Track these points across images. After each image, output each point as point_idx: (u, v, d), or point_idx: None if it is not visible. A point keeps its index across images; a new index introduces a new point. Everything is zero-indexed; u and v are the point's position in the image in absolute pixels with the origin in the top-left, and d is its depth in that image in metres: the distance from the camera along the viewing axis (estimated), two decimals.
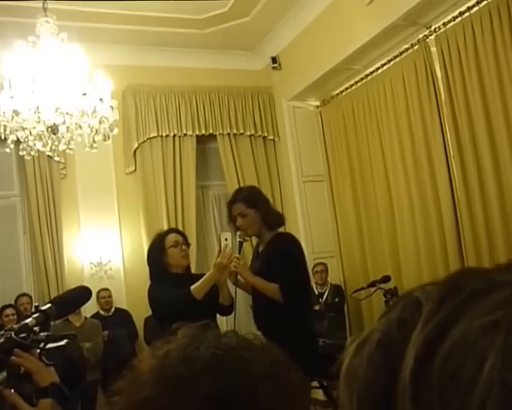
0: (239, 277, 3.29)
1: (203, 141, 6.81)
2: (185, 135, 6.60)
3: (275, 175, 7.06)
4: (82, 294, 1.51)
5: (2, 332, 1.18)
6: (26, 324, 1.21)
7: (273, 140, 7.07)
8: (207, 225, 6.86)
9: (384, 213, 5.88)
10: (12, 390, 1.11)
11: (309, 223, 6.74)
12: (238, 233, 3.28)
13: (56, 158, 5.56)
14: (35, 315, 1.24)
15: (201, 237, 6.69)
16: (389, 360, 0.37)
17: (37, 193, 6.00)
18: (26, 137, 4.14)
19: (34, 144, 4.18)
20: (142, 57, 6.50)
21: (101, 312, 5.93)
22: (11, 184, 6.20)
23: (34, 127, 4.04)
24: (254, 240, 3.74)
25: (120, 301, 6.13)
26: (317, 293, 6.18)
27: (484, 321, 0.33)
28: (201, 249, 6.53)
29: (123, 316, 5.97)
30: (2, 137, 4.13)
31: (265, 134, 7.00)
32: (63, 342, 1.21)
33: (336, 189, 6.66)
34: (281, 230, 3.49)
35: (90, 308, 5.67)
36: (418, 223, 5.42)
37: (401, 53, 5.51)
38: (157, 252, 3.27)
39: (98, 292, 5.86)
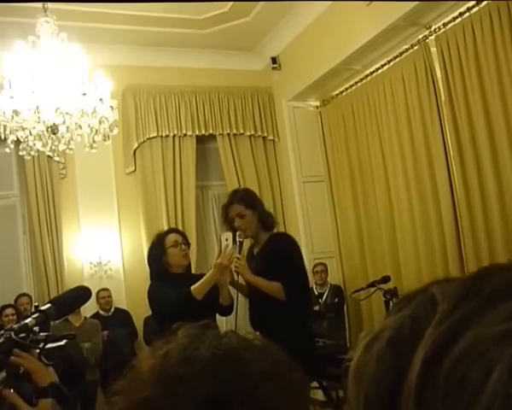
0: (235, 278, 3.29)
1: (203, 141, 6.81)
2: (185, 135, 6.60)
3: (275, 175, 7.06)
4: (81, 294, 1.51)
5: (2, 332, 1.18)
6: (26, 324, 1.21)
7: (273, 140, 7.07)
8: (207, 226, 6.86)
9: (384, 214, 5.88)
10: (11, 390, 1.11)
11: (309, 223, 6.74)
12: (238, 233, 3.28)
13: (56, 158, 5.56)
14: (35, 315, 1.24)
15: (201, 237, 6.69)
16: (399, 358, 0.37)
17: (37, 193, 6.00)
18: (26, 137, 4.14)
19: (34, 144, 4.18)
20: (141, 57, 6.50)
21: (101, 312, 5.93)
22: (11, 184, 6.20)
23: (34, 127, 4.04)
24: (247, 241, 3.73)
25: (120, 301, 6.13)
26: (316, 293, 6.18)
27: (496, 330, 0.33)
28: (201, 250, 6.53)
29: (122, 316, 5.97)
30: (2, 137, 4.13)
31: (265, 134, 7.00)
32: (63, 343, 1.21)
33: (336, 189, 6.66)
34: (274, 230, 3.51)
35: (89, 308, 5.66)
36: (418, 223, 5.42)
37: (401, 53, 5.51)
38: (157, 252, 3.27)
39: (98, 292, 5.86)
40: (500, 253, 4.55)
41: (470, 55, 4.74)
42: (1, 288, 5.86)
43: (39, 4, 4.30)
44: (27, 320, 1.22)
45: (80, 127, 4.11)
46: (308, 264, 6.43)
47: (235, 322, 3.37)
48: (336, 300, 6.18)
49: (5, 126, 4.04)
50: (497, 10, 4.47)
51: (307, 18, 6.18)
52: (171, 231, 3.57)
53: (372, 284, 5.11)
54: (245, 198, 3.35)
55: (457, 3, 4.83)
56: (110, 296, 5.98)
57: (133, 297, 5.92)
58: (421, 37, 5.26)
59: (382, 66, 5.80)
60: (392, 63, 5.66)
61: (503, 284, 0.36)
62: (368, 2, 5.15)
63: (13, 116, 3.96)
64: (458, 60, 4.86)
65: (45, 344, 1.18)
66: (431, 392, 0.33)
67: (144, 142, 6.46)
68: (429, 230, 5.31)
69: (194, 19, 6.15)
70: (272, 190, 6.96)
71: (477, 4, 4.64)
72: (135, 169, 6.52)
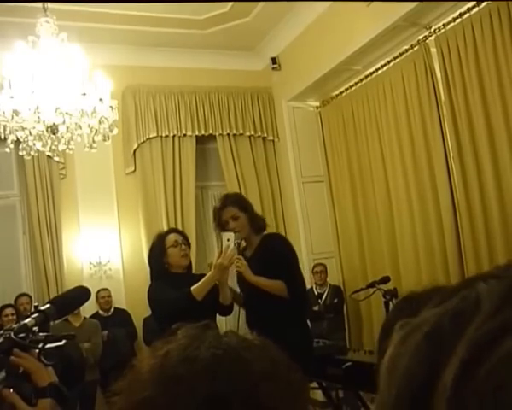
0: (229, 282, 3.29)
1: (203, 141, 6.81)
2: (185, 135, 6.60)
3: (274, 176, 7.06)
4: (81, 294, 1.51)
5: (2, 332, 1.18)
6: (26, 324, 1.21)
7: (273, 141, 7.08)
8: (207, 226, 6.85)
9: (383, 214, 5.88)
10: (11, 390, 1.11)
11: (308, 223, 6.74)
12: (236, 234, 3.28)
13: (56, 158, 5.56)
14: (34, 315, 1.24)
15: (201, 237, 6.69)
16: (436, 353, 0.36)
17: (37, 193, 6.00)
18: (26, 137, 4.14)
19: (34, 144, 4.17)
20: (141, 57, 6.50)
21: (101, 312, 5.93)
22: (11, 184, 6.20)
23: (34, 127, 4.04)
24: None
25: (119, 301, 6.13)
26: (316, 294, 6.18)
27: None
28: (201, 250, 6.53)
29: (122, 316, 5.97)
30: (2, 136, 4.13)
31: (265, 135, 7.00)
32: (62, 343, 1.21)
33: (336, 189, 6.66)
34: (268, 230, 3.54)
35: (89, 308, 5.66)
36: (417, 223, 5.42)
37: (401, 54, 5.51)
38: (157, 252, 3.28)
39: (98, 292, 5.86)
40: (500, 253, 4.55)
41: (470, 55, 4.74)
42: (1, 288, 5.86)
43: (39, 4, 4.30)
44: (27, 320, 1.22)
45: (80, 127, 4.11)
46: (308, 264, 6.45)
47: (238, 322, 3.37)
48: (336, 300, 6.18)
49: (5, 126, 4.04)
50: (497, 11, 4.47)
51: (307, 18, 6.18)
52: (171, 231, 3.57)
53: (372, 285, 5.11)
54: (238, 201, 3.39)
55: (457, 4, 4.83)
56: (110, 296, 5.98)
57: (133, 297, 5.92)
58: (421, 37, 5.27)
59: (382, 66, 5.81)
60: (392, 64, 5.66)
61: None
62: (368, 2, 5.15)
63: (13, 116, 3.96)
64: (458, 60, 4.86)
65: (45, 344, 1.18)
66: (467, 395, 0.33)
67: (144, 142, 6.46)
68: (429, 230, 5.31)
69: (194, 19, 6.15)
70: (272, 190, 6.97)
71: (477, 5, 4.64)
72: (135, 169, 6.52)
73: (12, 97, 3.96)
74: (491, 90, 4.60)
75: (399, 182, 5.62)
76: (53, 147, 4.22)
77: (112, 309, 5.99)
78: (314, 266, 6.33)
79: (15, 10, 5.22)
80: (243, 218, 3.29)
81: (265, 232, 3.44)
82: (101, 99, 4.14)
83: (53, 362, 1.18)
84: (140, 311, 5.56)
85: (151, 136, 6.46)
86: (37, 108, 3.92)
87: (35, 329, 1.21)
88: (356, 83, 6.23)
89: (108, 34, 6.03)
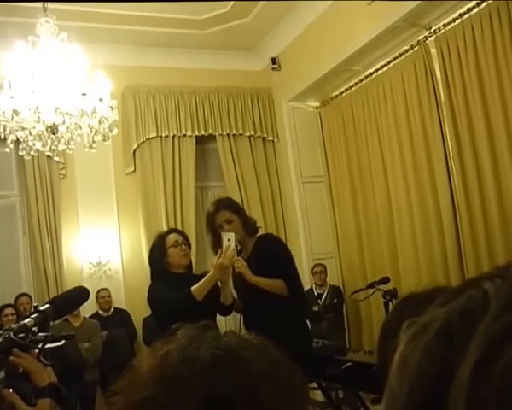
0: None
1: (202, 141, 6.81)
2: (185, 135, 6.61)
3: (274, 176, 7.06)
4: (80, 294, 1.51)
5: (1, 332, 1.18)
6: (25, 324, 1.21)
7: (272, 141, 7.08)
8: None
9: (383, 214, 5.88)
10: (11, 390, 1.11)
11: (308, 224, 6.74)
12: (236, 235, 3.28)
13: (56, 158, 5.56)
14: (34, 315, 1.24)
15: (201, 237, 6.67)
16: (447, 351, 0.37)
17: (37, 193, 6.00)
18: (26, 137, 4.14)
19: (34, 144, 4.17)
20: (141, 58, 6.50)
21: (101, 312, 5.93)
22: (10, 184, 6.20)
23: (34, 127, 4.04)
24: None
25: (119, 301, 6.13)
26: (315, 294, 6.18)
27: None
28: (201, 250, 6.52)
29: (122, 316, 5.97)
30: (2, 136, 4.13)
31: (265, 135, 7.00)
32: (61, 343, 1.22)
33: (335, 190, 6.66)
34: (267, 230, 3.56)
35: (89, 308, 5.67)
36: (417, 223, 5.43)
37: (401, 54, 5.52)
38: (158, 252, 3.28)
39: (97, 292, 5.86)
40: (499, 254, 4.55)
41: (470, 56, 4.74)
42: (0, 288, 5.86)
43: (39, 4, 4.30)
44: (26, 320, 1.22)
45: (80, 127, 4.11)
46: (307, 264, 6.45)
47: (240, 323, 3.37)
48: (335, 301, 6.18)
49: (5, 126, 4.04)
50: (497, 11, 4.47)
51: (307, 18, 6.18)
52: (171, 231, 3.58)
53: (371, 285, 5.10)
54: (231, 205, 3.42)
55: (457, 4, 4.83)
56: (110, 296, 5.98)
57: (132, 297, 5.92)
58: (421, 38, 5.27)
59: (382, 67, 5.81)
60: (391, 64, 5.67)
61: None
62: (369, 1, 5.15)
63: (13, 116, 3.96)
64: (458, 61, 4.86)
65: (44, 344, 1.18)
66: (484, 390, 0.33)
67: (144, 142, 6.47)
68: (428, 230, 5.31)
69: (194, 19, 6.15)
70: (272, 190, 6.97)
71: (477, 5, 4.64)
72: (134, 169, 6.52)
73: (12, 97, 3.96)
74: (491, 91, 4.60)
75: (399, 182, 5.62)
76: (53, 147, 4.22)
77: (111, 309, 5.99)
78: (314, 267, 6.33)
79: (15, 10, 5.22)
80: (237, 221, 3.31)
81: (258, 234, 3.47)
82: (101, 99, 4.13)
83: (52, 362, 1.18)
84: (140, 311, 5.57)
85: (151, 136, 6.46)
86: (37, 108, 3.92)
87: (34, 329, 1.21)
88: (356, 83, 6.24)
89: (108, 34, 6.04)
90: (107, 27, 5.93)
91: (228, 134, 6.81)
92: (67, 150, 4.42)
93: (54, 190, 6.09)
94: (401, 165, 5.59)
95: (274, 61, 6.87)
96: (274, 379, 0.65)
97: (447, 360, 0.36)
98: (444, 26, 5.00)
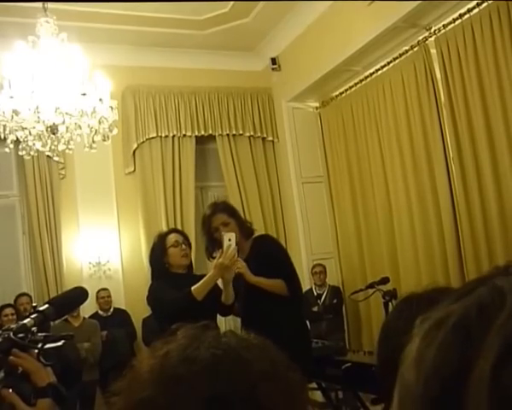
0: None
1: (202, 142, 6.81)
2: (184, 136, 6.61)
3: (274, 176, 7.06)
4: (79, 295, 1.51)
5: (1, 332, 1.18)
6: (25, 324, 1.21)
7: (272, 141, 7.08)
8: None
9: (383, 215, 5.89)
10: (10, 390, 1.11)
11: (308, 224, 6.74)
12: (237, 236, 3.29)
13: (56, 158, 5.56)
14: (33, 316, 1.24)
15: (201, 238, 6.65)
16: (465, 345, 0.37)
17: (37, 193, 6.00)
18: (26, 137, 4.14)
19: (34, 144, 4.17)
20: (141, 58, 6.50)
21: (100, 312, 5.93)
22: (10, 184, 6.20)
23: (34, 127, 4.04)
24: None
25: (119, 301, 6.13)
26: (315, 294, 6.18)
27: None
28: (200, 251, 6.50)
29: (122, 316, 5.97)
30: (2, 136, 4.12)
31: (265, 135, 7.00)
32: (60, 343, 1.22)
33: (335, 190, 6.66)
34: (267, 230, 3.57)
35: (88, 308, 5.67)
36: (416, 224, 5.42)
37: (401, 55, 5.52)
38: (158, 252, 3.29)
39: (97, 292, 5.86)
40: (499, 254, 4.55)
41: (470, 56, 4.74)
42: (0, 288, 5.86)
43: (39, 4, 4.30)
44: (26, 320, 1.22)
45: (80, 127, 4.11)
46: (307, 265, 6.45)
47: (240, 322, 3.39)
48: (335, 301, 6.18)
49: (5, 126, 4.04)
50: (497, 11, 4.47)
51: (307, 18, 6.18)
52: (172, 231, 3.59)
53: (371, 286, 5.11)
54: (227, 208, 3.45)
55: (457, 5, 4.83)
56: (109, 296, 5.98)
57: (132, 297, 5.92)
58: (420, 38, 5.27)
59: (382, 67, 5.81)
60: (391, 64, 5.67)
61: None
62: (369, 2, 5.16)
63: (12, 116, 3.95)
64: (458, 61, 4.86)
65: (44, 344, 1.18)
66: (508, 382, 0.33)
67: (144, 142, 6.47)
68: (428, 230, 5.31)
69: (194, 19, 6.15)
70: (271, 190, 6.97)
71: (477, 6, 4.65)
72: (134, 169, 6.52)
73: (12, 97, 3.96)
74: (490, 92, 4.60)
75: (399, 183, 5.62)
76: (53, 147, 4.22)
77: (111, 309, 5.99)
78: (313, 267, 6.33)
79: (15, 10, 5.21)
80: (233, 224, 3.33)
81: (254, 235, 3.48)
82: (100, 99, 4.13)
83: (52, 362, 1.18)
84: (139, 311, 5.57)
85: (151, 136, 6.46)
86: (37, 107, 3.92)
87: (34, 329, 1.21)
88: (356, 84, 6.24)
89: (108, 34, 6.04)
90: (107, 27, 5.93)
91: (228, 134, 6.81)
92: (67, 150, 4.42)
93: (54, 190, 6.09)
94: (401, 165, 5.59)
95: (274, 61, 6.87)
96: (274, 379, 0.65)
97: (464, 353, 0.37)
98: (444, 26, 5.00)
